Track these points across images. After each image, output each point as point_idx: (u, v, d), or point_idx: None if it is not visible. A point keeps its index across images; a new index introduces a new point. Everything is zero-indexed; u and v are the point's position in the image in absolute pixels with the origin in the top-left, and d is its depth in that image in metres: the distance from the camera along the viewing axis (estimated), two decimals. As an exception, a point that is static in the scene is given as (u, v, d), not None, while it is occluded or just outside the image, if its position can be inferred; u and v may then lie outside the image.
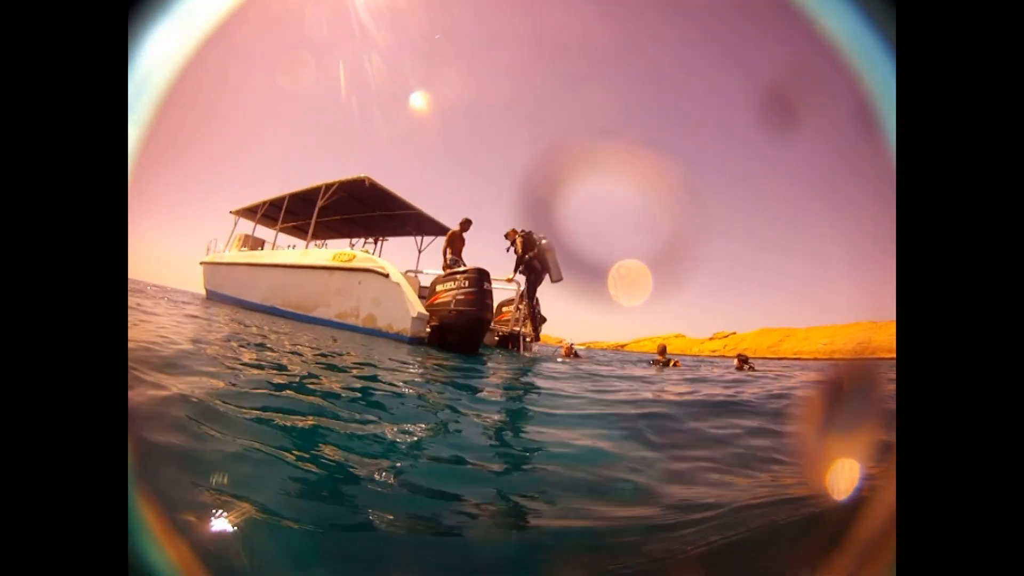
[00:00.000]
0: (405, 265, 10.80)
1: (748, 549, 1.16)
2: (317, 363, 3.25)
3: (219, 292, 13.48)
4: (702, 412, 2.58)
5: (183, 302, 8.77)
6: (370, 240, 14.87)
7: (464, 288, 7.38)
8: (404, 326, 7.65)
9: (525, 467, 1.64)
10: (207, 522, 0.90)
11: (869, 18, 0.87)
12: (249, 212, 13.91)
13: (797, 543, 1.22)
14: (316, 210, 10.81)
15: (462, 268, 7.76)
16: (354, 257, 8.89)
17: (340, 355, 3.88)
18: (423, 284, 9.26)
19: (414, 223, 12.48)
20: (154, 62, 0.93)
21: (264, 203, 13.02)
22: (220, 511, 0.93)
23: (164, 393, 1.65)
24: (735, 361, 9.19)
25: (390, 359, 3.91)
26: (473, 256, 9.11)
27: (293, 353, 3.58)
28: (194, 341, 3.26)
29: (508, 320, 9.63)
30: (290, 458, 1.32)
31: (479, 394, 2.93)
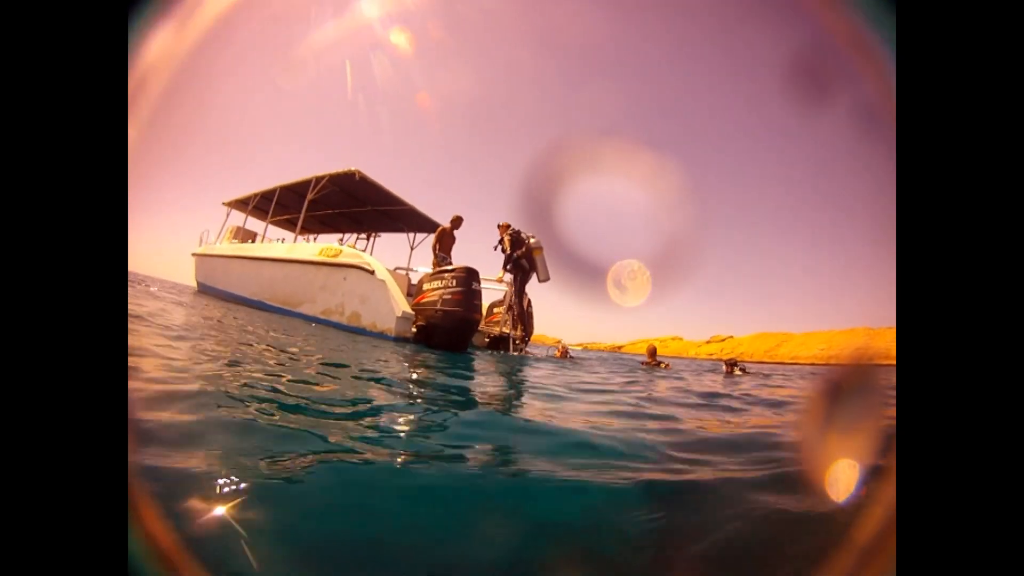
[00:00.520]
0: (398, 263, 10.59)
1: (748, 549, 1.17)
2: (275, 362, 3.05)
3: (209, 285, 13.28)
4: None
5: (165, 295, 8.52)
6: (362, 236, 14.65)
7: (451, 287, 7.16)
8: (388, 325, 7.44)
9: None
10: (207, 522, 0.90)
11: (869, 18, 0.85)
12: (241, 204, 13.65)
13: (797, 543, 1.24)
14: (306, 203, 10.58)
15: (450, 267, 7.53)
16: (340, 252, 8.66)
17: (308, 355, 3.66)
18: (414, 282, 9.03)
19: (406, 219, 12.26)
20: (154, 60, 0.91)
21: (255, 195, 12.78)
22: (220, 511, 0.93)
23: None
24: (723, 366, 8.98)
25: (362, 365, 3.68)
26: (470, 255, 8.91)
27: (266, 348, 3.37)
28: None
29: (499, 321, 9.42)
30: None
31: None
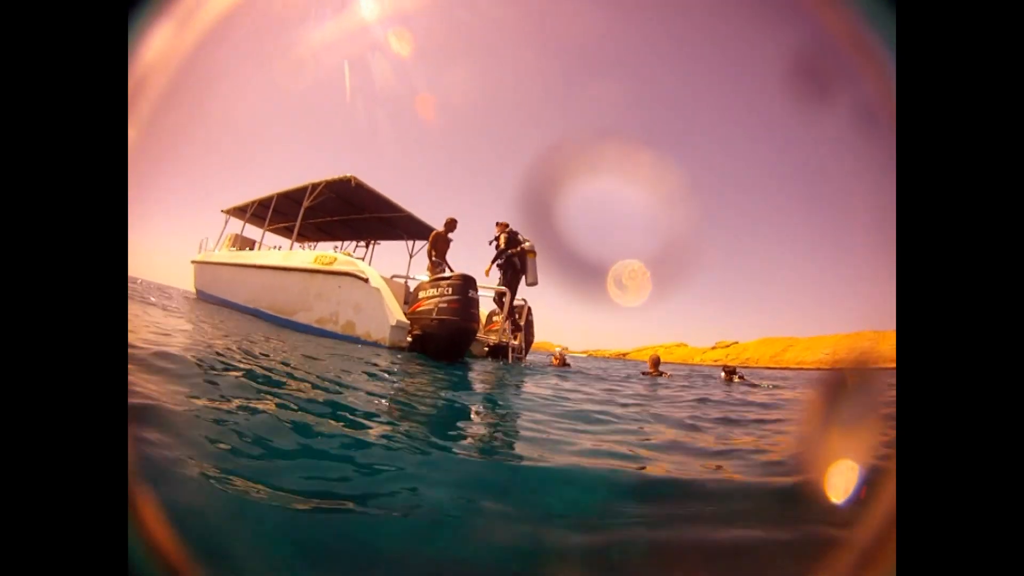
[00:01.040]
0: (398, 271, 10.42)
1: (748, 549, 1.19)
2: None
3: (208, 292, 13.17)
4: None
5: (161, 303, 8.35)
6: (361, 244, 14.53)
7: (447, 296, 6.94)
8: (383, 335, 7.24)
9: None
10: (207, 522, 0.90)
11: (869, 18, 0.85)
12: (239, 211, 13.57)
13: (797, 543, 1.25)
14: (302, 210, 10.44)
15: (446, 275, 7.31)
16: (335, 260, 8.47)
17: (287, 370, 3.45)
18: (412, 291, 8.85)
19: (404, 226, 12.09)
20: (154, 60, 0.91)
21: (253, 202, 12.65)
22: (220, 510, 0.94)
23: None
24: (722, 373, 8.89)
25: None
26: (471, 260, 8.78)
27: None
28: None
29: (498, 330, 9.22)
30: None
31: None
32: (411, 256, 13.08)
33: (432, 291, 7.12)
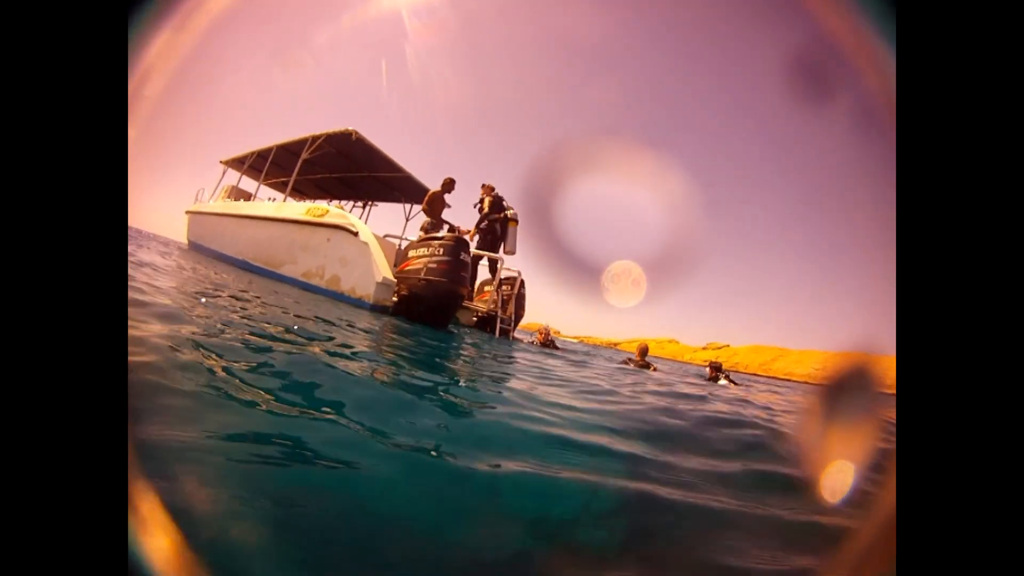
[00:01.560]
0: (393, 233, 10.14)
1: (748, 548, 1.20)
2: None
3: (200, 243, 12.97)
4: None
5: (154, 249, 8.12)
6: (358, 204, 14.29)
7: (437, 256, 6.66)
8: (367, 291, 7.00)
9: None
10: (207, 521, 0.90)
11: (869, 18, 0.83)
12: (237, 163, 13.32)
13: (797, 543, 1.29)
14: (299, 162, 10.18)
15: (439, 234, 7.03)
16: (326, 212, 8.20)
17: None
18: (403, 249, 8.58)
19: (403, 188, 11.82)
20: (154, 60, 0.90)
21: (252, 154, 12.40)
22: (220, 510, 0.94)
23: None
24: (707, 370, 8.25)
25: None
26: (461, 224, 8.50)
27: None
28: None
29: (488, 300, 8.99)
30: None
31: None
32: (407, 220, 12.87)
33: (422, 250, 6.86)
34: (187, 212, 14.02)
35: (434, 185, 8.59)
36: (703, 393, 4.28)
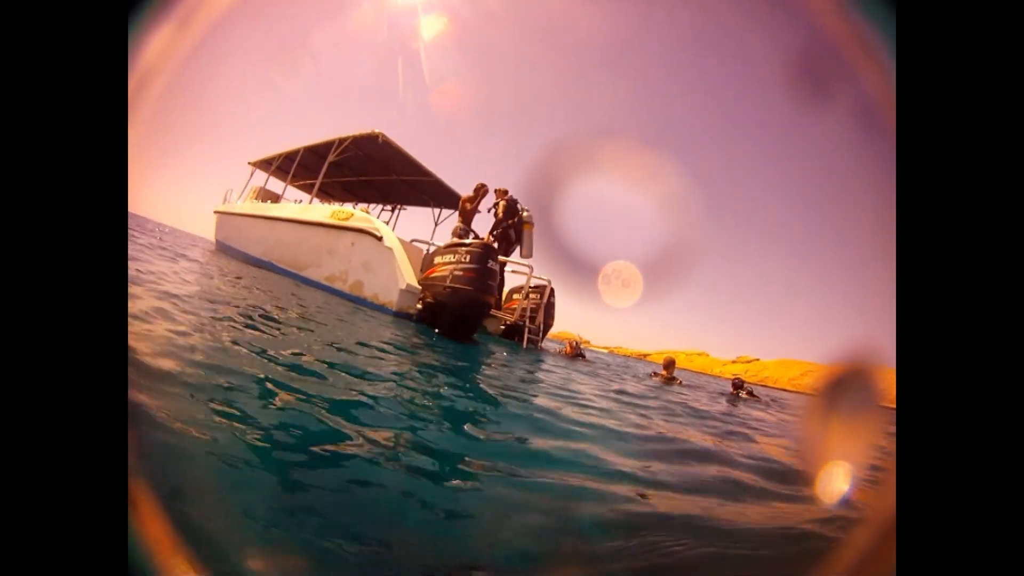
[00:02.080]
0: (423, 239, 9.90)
1: (747, 548, 1.25)
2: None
3: (227, 243, 12.97)
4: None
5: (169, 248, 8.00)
6: (387, 208, 14.14)
7: (464, 263, 6.32)
8: (390, 298, 6.71)
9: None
10: (208, 521, 0.89)
11: (869, 18, 0.85)
12: (264, 164, 13.36)
13: (797, 543, 1.35)
14: (325, 165, 10.02)
15: (466, 241, 6.69)
16: (351, 216, 7.96)
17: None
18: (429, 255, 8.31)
19: (431, 192, 11.61)
20: (154, 60, 0.91)
21: (279, 156, 12.39)
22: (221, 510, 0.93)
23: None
24: (731, 386, 8.24)
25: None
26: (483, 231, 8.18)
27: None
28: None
29: (515, 309, 8.65)
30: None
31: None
32: (436, 224, 12.60)
33: (448, 257, 6.53)
34: (215, 212, 14.05)
35: (464, 190, 8.37)
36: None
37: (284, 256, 9.46)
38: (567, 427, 2.20)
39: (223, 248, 13.22)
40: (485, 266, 6.29)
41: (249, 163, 13.95)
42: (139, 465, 0.82)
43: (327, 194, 14.10)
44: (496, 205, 8.46)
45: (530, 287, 8.67)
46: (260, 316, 3.26)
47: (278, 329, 3.02)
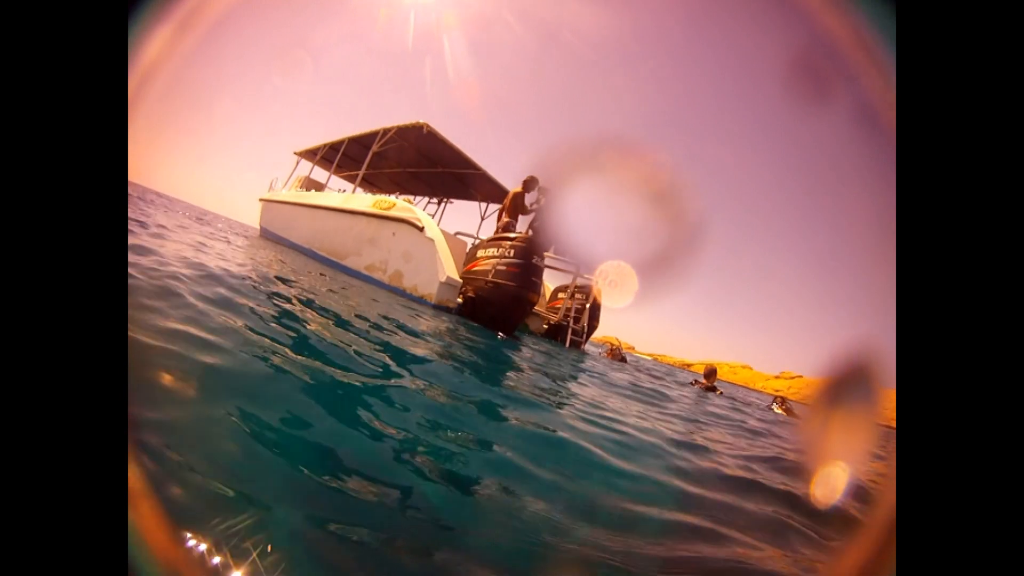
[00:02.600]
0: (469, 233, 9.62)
1: (747, 547, 1.26)
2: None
3: (270, 230, 13.08)
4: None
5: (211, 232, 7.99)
6: (433, 201, 14.02)
7: (507, 258, 6.01)
8: (430, 290, 6.43)
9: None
10: (208, 522, 0.85)
11: (869, 18, 0.84)
12: (309, 154, 13.49)
13: (797, 542, 1.37)
14: (369, 155, 9.90)
15: (511, 234, 6.36)
16: (393, 205, 7.72)
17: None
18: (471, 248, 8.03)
19: (477, 185, 11.36)
20: (154, 60, 0.90)
21: (324, 146, 12.45)
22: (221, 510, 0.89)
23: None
24: (774, 404, 7.75)
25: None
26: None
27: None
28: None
29: (560, 308, 8.32)
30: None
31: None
32: (482, 218, 12.31)
33: (491, 251, 6.23)
34: (260, 200, 14.17)
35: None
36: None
37: (325, 244, 9.36)
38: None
39: (267, 235, 13.31)
40: (529, 262, 5.97)
41: (295, 153, 14.08)
42: (139, 465, 0.81)
43: (372, 185, 14.09)
44: (538, 201, 8.12)
45: (575, 286, 8.35)
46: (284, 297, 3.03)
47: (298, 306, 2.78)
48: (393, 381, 1.90)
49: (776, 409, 7.45)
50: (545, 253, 6.39)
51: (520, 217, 7.53)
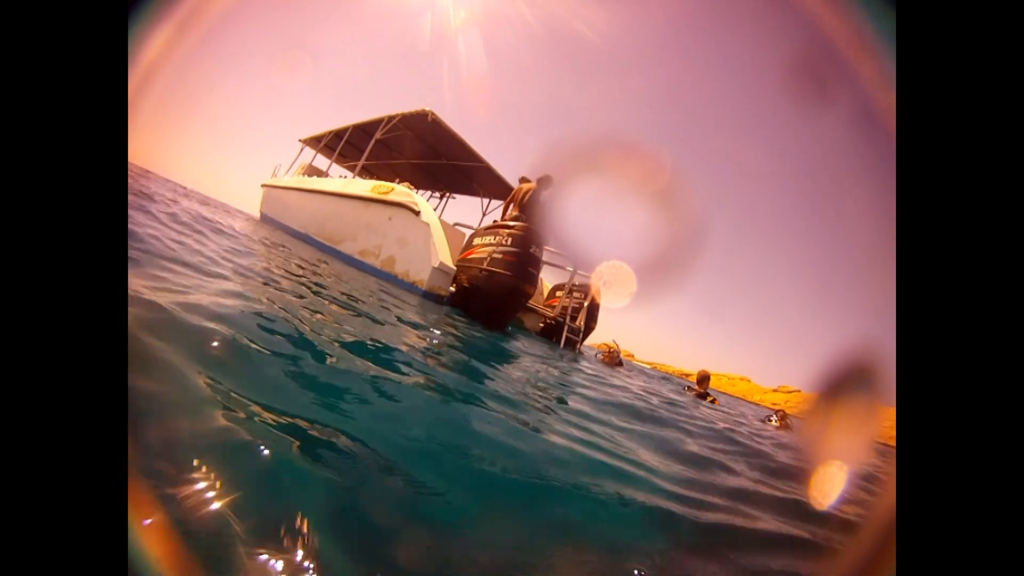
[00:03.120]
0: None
1: (748, 547, 1.25)
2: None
3: (269, 215, 13.01)
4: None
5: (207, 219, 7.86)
6: (435, 195, 13.95)
7: (504, 246, 5.76)
8: (421, 276, 6.24)
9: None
10: (208, 520, 0.85)
11: (869, 18, 0.84)
12: (314, 141, 13.40)
13: (797, 542, 1.35)
14: (372, 141, 9.75)
15: (510, 222, 6.10)
16: (391, 190, 7.54)
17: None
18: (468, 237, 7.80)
19: (480, 179, 11.22)
20: (154, 60, 0.89)
21: (328, 133, 12.34)
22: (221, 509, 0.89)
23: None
24: (775, 418, 7.01)
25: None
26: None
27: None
28: None
29: (557, 306, 8.11)
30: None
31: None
32: (484, 214, 12.20)
33: (488, 238, 6.00)
34: (262, 185, 14.08)
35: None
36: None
37: (323, 229, 9.23)
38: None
39: (266, 220, 13.22)
40: (527, 251, 5.75)
41: (299, 140, 13.97)
42: (139, 465, 0.83)
43: (374, 175, 14.02)
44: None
45: (573, 284, 8.15)
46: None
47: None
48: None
49: (774, 423, 6.87)
50: (545, 247, 6.16)
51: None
